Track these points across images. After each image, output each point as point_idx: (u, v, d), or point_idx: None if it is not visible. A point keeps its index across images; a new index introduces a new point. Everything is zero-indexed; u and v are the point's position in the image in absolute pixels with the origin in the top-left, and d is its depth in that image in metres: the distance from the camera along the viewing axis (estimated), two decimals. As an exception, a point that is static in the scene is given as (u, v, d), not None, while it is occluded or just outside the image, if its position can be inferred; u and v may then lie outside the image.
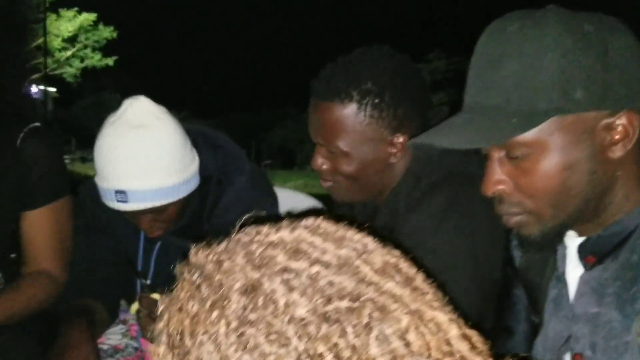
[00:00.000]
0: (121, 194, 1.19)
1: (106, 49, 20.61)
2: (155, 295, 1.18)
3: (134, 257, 1.42)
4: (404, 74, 1.17)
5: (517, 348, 0.94)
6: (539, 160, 0.73)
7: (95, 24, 19.95)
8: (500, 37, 0.75)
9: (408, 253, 1.16)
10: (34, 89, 21.02)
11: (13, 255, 1.41)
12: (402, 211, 1.17)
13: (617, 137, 0.72)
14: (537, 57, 0.70)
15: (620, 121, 0.72)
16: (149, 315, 1.17)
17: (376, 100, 1.12)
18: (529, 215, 0.77)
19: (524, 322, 0.95)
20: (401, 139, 1.16)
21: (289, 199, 1.86)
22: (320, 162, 1.19)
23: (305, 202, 1.88)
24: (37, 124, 1.41)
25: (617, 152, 0.73)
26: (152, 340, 1.23)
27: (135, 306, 1.21)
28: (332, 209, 1.47)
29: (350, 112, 1.12)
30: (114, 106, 1.28)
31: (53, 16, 19.10)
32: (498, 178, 0.76)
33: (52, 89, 22.22)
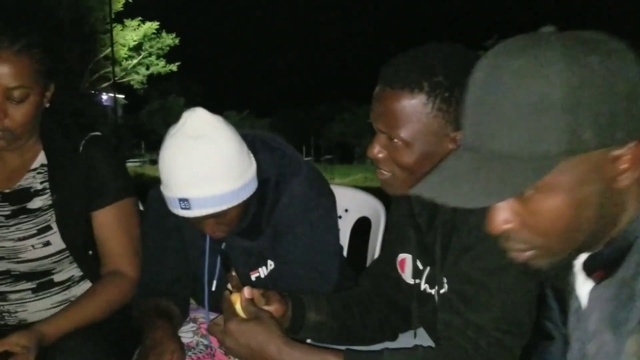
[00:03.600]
0: (184, 202, 1.25)
1: (169, 56, 21.26)
2: (237, 303, 1.20)
3: (201, 258, 1.49)
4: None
5: (558, 353, 0.91)
6: (547, 201, 0.70)
7: (158, 32, 20.61)
8: (500, 76, 0.70)
9: (469, 249, 1.14)
10: (104, 96, 21.97)
11: (90, 253, 1.50)
12: (462, 212, 1.15)
13: (624, 167, 0.69)
14: (542, 97, 0.66)
15: (627, 152, 0.68)
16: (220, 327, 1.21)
17: (446, 94, 1.09)
18: (538, 251, 0.75)
19: (562, 326, 0.91)
20: (461, 136, 1.15)
21: (347, 196, 1.87)
22: (377, 150, 1.18)
23: (363, 199, 1.88)
24: (98, 132, 1.52)
25: (625, 182, 0.70)
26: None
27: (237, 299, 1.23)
28: (390, 205, 1.47)
29: (418, 103, 1.10)
30: (179, 109, 1.34)
31: (119, 26, 19.86)
32: (505, 217, 0.73)
33: (121, 96, 23.14)
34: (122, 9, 19.49)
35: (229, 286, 1.20)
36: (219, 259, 1.48)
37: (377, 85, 1.17)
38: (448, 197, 0.72)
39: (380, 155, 1.18)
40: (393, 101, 1.12)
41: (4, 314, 1.46)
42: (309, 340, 1.28)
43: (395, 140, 1.14)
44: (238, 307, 1.16)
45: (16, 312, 1.46)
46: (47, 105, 1.44)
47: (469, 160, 0.72)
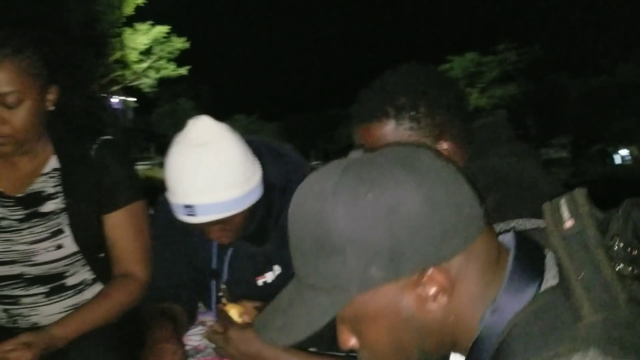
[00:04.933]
0: (189, 208, 1.27)
1: (180, 59, 21.38)
2: (232, 311, 1.25)
3: (208, 262, 1.50)
4: (435, 83, 1.20)
5: None
6: (363, 331, 0.72)
7: (168, 36, 20.73)
8: (300, 214, 0.71)
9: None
10: (115, 100, 22.11)
11: (102, 255, 1.52)
12: None
13: (431, 292, 0.68)
14: (328, 235, 0.67)
15: (428, 280, 0.68)
16: (218, 334, 1.24)
17: (412, 113, 1.15)
18: None
19: None
20: (445, 146, 1.19)
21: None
22: None
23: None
24: (109, 136, 1.54)
25: (439, 303, 0.69)
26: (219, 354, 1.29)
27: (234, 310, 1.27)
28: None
29: (389, 129, 1.16)
30: (188, 113, 1.37)
31: (129, 30, 19.99)
32: (344, 338, 0.75)
33: (132, 99, 23.29)
34: (133, 12, 19.65)
35: (223, 300, 1.24)
36: (226, 262, 1.50)
37: (352, 126, 1.23)
38: (266, 333, 0.75)
39: None
40: (367, 135, 1.19)
41: (16, 318, 1.48)
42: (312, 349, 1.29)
43: None
44: (235, 316, 1.20)
45: (29, 315, 1.48)
46: (51, 108, 1.44)
47: (290, 291, 0.74)
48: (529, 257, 0.71)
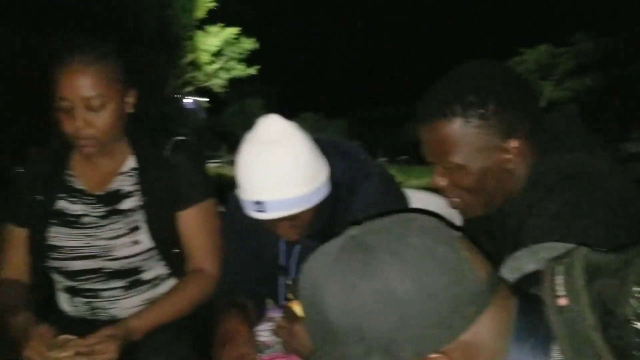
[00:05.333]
0: (259, 205, 1.30)
1: (249, 60, 21.81)
2: (297, 308, 1.27)
3: (276, 259, 1.52)
4: (504, 80, 1.16)
5: None
6: None
7: (238, 37, 21.19)
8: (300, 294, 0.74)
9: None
10: (188, 100, 22.85)
11: (176, 251, 1.57)
12: (523, 217, 1.15)
13: None
14: (328, 325, 0.69)
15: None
16: (285, 329, 1.26)
17: (480, 110, 1.12)
18: None
19: None
20: (514, 144, 1.15)
21: (421, 200, 1.85)
22: (438, 179, 1.22)
23: (436, 203, 1.85)
24: (183, 137, 1.60)
25: None
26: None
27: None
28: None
29: (457, 127, 1.14)
30: (257, 111, 1.39)
31: (201, 33, 20.59)
32: None
33: (204, 100, 24.00)
34: (205, 16, 20.22)
35: (289, 295, 1.24)
36: (293, 259, 1.51)
37: (417, 122, 1.21)
38: None
39: (443, 184, 1.23)
40: (433, 133, 1.17)
41: (97, 311, 1.56)
42: None
43: (449, 167, 1.17)
44: (300, 312, 1.21)
45: (108, 308, 1.55)
46: (131, 110, 1.52)
47: None
48: (530, 328, 0.69)
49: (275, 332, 1.34)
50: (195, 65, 20.67)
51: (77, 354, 1.29)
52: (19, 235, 1.53)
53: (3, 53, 11.47)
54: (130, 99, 1.52)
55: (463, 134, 1.14)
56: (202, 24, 20.43)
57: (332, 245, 0.73)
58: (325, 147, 1.43)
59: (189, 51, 20.13)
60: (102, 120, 1.44)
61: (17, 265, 1.53)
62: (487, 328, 0.68)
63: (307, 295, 0.72)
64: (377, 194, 1.43)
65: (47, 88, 1.43)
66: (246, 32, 21.51)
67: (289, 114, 1.37)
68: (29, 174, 1.56)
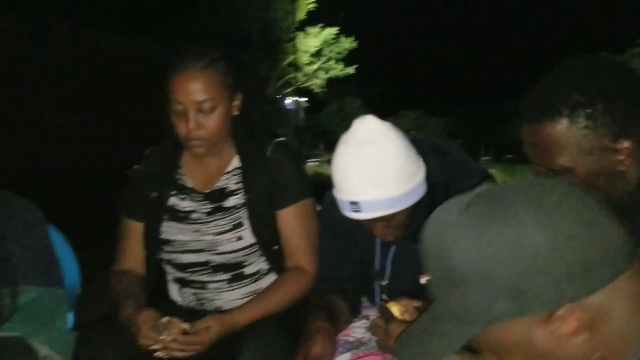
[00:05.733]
0: (355, 205, 1.31)
1: (348, 59, 21.98)
2: (394, 309, 1.27)
3: (371, 259, 1.53)
4: (614, 77, 1.08)
5: None
6: (504, 359, 0.70)
7: (337, 36, 21.41)
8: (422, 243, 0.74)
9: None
10: (288, 101, 23.43)
11: (276, 247, 1.63)
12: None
13: (566, 330, 0.64)
14: (453, 270, 0.68)
15: (559, 318, 0.64)
16: (381, 328, 1.27)
17: (588, 111, 1.05)
18: None
19: None
20: (626, 144, 1.07)
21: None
22: None
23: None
24: (283, 138, 1.66)
25: (578, 341, 0.64)
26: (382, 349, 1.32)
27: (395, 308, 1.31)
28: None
29: (562, 129, 1.07)
30: (355, 110, 1.41)
31: (301, 34, 21.03)
32: None
33: (303, 100, 24.50)
34: (305, 17, 20.63)
35: (383, 296, 1.24)
36: (389, 259, 1.52)
37: (520, 124, 1.15)
38: (404, 355, 0.79)
39: None
40: (537, 134, 1.11)
41: (203, 301, 1.65)
42: None
43: (556, 169, 1.11)
44: (396, 313, 1.21)
45: (213, 299, 1.64)
46: (237, 113, 1.60)
47: (426, 318, 0.76)
48: None
49: (371, 331, 1.35)
50: (295, 66, 21.13)
51: (175, 340, 1.38)
52: (135, 228, 1.66)
53: (119, 61, 12.36)
54: (237, 102, 1.60)
55: (569, 136, 1.07)
56: (302, 25, 20.82)
57: (461, 199, 0.73)
58: (423, 146, 1.43)
59: (289, 52, 20.61)
60: (212, 122, 1.53)
61: (133, 256, 1.66)
62: (620, 296, 0.65)
63: (434, 243, 0.72)
64: None
65: (160, 93, 1.53)
66: (345, 32, 21.66)
67: (387, 112, 1.38)
68: (145, 173, 1.69)
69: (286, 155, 1.65)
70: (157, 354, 1.40)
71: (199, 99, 1.50)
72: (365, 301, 1.66)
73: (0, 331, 1.27)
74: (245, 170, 1.63)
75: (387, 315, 1.28)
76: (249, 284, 1.65)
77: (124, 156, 1.91)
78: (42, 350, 1.27)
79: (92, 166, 10.41)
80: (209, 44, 1.57)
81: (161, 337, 1.38)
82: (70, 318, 1.53)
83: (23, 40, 10.67)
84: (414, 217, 1.39)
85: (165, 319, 1.41)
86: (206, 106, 1.51)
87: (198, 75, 1.50)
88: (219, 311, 1.58)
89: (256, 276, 1.65)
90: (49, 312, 1.34)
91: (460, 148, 1.57)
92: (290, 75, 21.17)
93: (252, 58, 15.67)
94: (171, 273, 1.68)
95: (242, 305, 1.55)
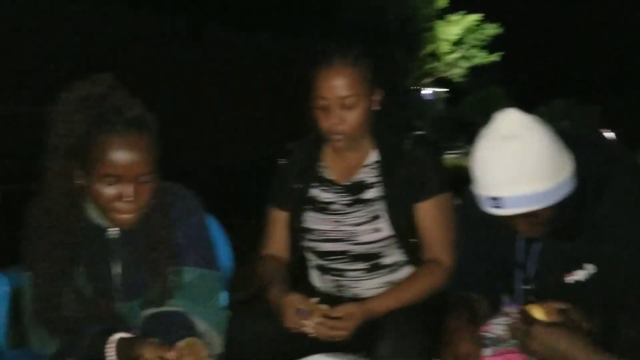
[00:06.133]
0: (496, 201, 1.29)
1: (491, 46, 21.05)
2: (535, 311, 1.24)
3: (513, 256, 1.50)
4: None
5: None
6: None
7: (480, 23, 20.59)
8: None
9: None
10: (426, 92, 23.04)
11: (413, 240, 1.65)
12: None
13: None
14: None
15: None
16: (522, 330, 1.24)
17: None
18: None
19: None
20: None
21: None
22: None
23: None
24: (423, 132, 1.67)
25: None
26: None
27: None
28: None
29: None
30: (499, 100, 1.38)
31: (441, 23, 20.51)
32: None
33: (443, 90, 23.94)
34: (446, 4, 20.10)
35: (528, 298, 1.21)
36: (532, 257, 1.47)
37: None
38: None
39: None
40: None
41: (342, 288, 1.72)
42: None
43: None
44: (538, 315, 1.17)
45: (352, 287, 1.71)
46: (377, 108, 1.64)
47: None
48: None
49: (511, 332, 1.32)
50: (434, 55, 20.69)
51: (321, 324, 1.46)
52: (281, 217, 1.77)
53: (262, 59, 13.03)
54: (377, 97, 1.64)
55: None
56: (443, 13, 20.30)
57: None
58: (572, 140, 1.36)
59: (428, 42, 20.23)
60: (354, 117, 1.59)
61: (279, 244, 1.78)
62: None
63: None
64: (630, 192, 1.31)
65: (302, 89, 1.63)
66: (489, 17, 20.76)
67: (535, 101, 1.33)
68: (289, 165, 1.80)
69: (425, 149, 1.67)
70: (307, 332, 1.49)
71: (342, 95, 1.56)
72: (505, 298, 1.62)
73: (166, 306, 1.43)
74: (384, 164, 1.67)
75: (527, 318, 1.25)
76: (386, 274, 1.69)
77: (273, 149, 2.04)
78: (201, 325, 1.41)
79: (246, 159, 11.17)
80: (351, 40, 1.63)
81: (307, 321, 1.47)
82: (224, 297, 1.68)
83: (181, 42, 11.67)
84: (562, 214, 1.33)
85: (311, 301, 1.50)
86: (349, 102, 1.57)
87: (342, 72, 1.56)
88: (357, 298, 1.64)
89: (393, 267, 1.69)
90: (207, 291, 1.47)
91: (617, 140, 1.46)
92: (429, 65, 20.77)
93: (391, 50, 15.63)
94: (312, 260, 1.77)
95: (380, 294, 1.60)
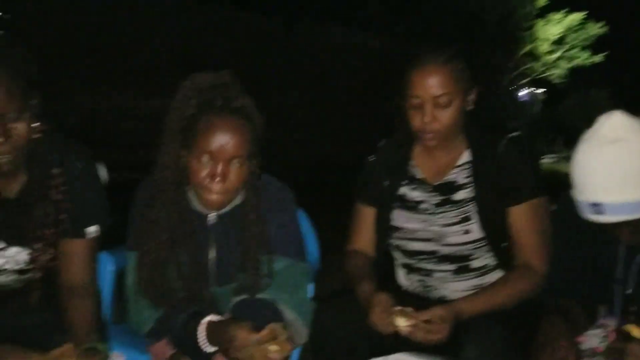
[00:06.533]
0: (597, 207, 1.24)
1: (595, 46, 19.89)
2: (635, 332, 1.18)
3: (612, 266, 1.43)
4: None
5: None
6: None
7: (583, 22, 19.51)
8: None
9: None
10: (523, 92, 22.17)
11: (504, 244, 1.61)
12: None
13: None
14: None
15: None
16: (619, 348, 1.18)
17: None
18: None
19: None
20: None
21: None
22: None
23: None
24: (518, 132, 1.62)
25: None
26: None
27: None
28: None
29: None
30: (602, 103, 1.32)
31: (541, 22, 19.63)
32: None
33: (540, 91, 22.92)
34: (547, 2, 19.22)
35: (630, 317, 1.15)
36: (634, 267, 1.39)
37: None
38: None
39: None
40: None
41: (428, 289, 1.71)
42: None
43: None
44: (637, 334, 1.12)
45: (439, 288, 1.69)
46: (471, 107, 1.62)
47: None
48: None
49: (607, 351, 1.26)
50: (532, 55, 19.86)
51: (416, 326, 1.44)
52: (369, 213, 1.78)
53: (359, 56, 13.11)
54: (472, 97, 1.62)
55: None
56: (544, 12, 19.45)
57: None
58: None
59: (526, 41, 19.47)
60: (447, 116, 1.57)
61: (366, 240, 1.79)
62: None
63: None
64: None
65: (395, 87, 1.63)
66: (593, 16, 19.64)
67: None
68: (378, 162, 1.80)
69: (520, 151, 1.62)
70: (400, 332, 1.46)
71: (436, 94, 1.55)
72: (602, 309, 1.55)
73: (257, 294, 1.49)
74: (476, 165, 1.64)
75: (625, 336, 1.19)
76: (475, 278, 1.66)
77: (361, 146, 2.06)
78: (289, 314, 1.46)
79: (335, 155, 11.42)
80: (447, 38, 1.61)
81: (403, 324, 1.44)
82: (311, 289, 1.72)
83: (278, 39, 11.99)
84: None
85: (399, 308, 1.48)
86: (443, 100, 1.55)
87: (437, 70, 1.55)
88: (443, 300, 1.62)
89: (482, 270, 1.66)
90: (295, 281, 1.52)
91: None
92: (527, 65, 19.97)
93: (488, 49, 15.21)
94: (399, 258, 1.77)
95: (469, 297, 1.57)
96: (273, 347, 1.28)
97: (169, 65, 9.45)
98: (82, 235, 1.48)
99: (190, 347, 1.39)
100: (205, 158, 1.40)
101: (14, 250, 1.44)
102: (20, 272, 1.47)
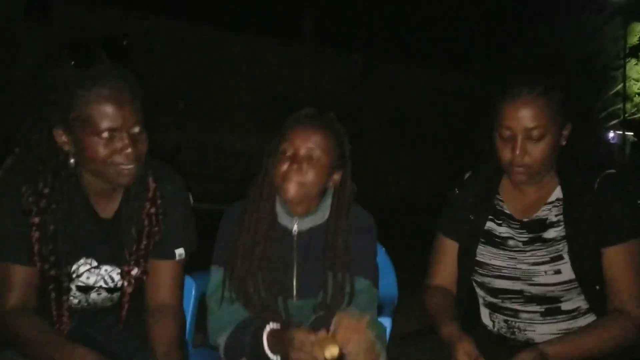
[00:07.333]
0: None
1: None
2: None
3: None
4: None
5: None
6: None
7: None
8: None
9: None
10: (611, 134, 21.14)
11: (597, 287, 1.51)
12: None
13: None
14: None
15: None
16: None
17: None
18: None
19: None
20: None
21: None
22: None
23: None
24: (613, 170, 1.53)
25: None
26: None
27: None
28: None
29: None
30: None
31: (633, 61, 18.79)
32: None
33: (630, 133, 21.77)
34: (638, 42, 18.42)
35: None
36: None
37: None
38: None
39: None
40: None
41: (514, 330, 1.63)
42: None
43: None
44: None
45: (525, 330, 1.60)
46: (564, 143, 1.55)
47: None
48: None
49: None
50: (622, 95, 18.98)
51: None
52: (451, 247, 1.72)
53: (441, 94, 13.15)
54: (566, 132, 1.56)
55: None
56: (636, 50, 18.61)
57: None
58: None
59: (616, 81, 18.66)
60: (539, 150, 1.51)
61: (447, 275, 1.73)
62: None
63: None
64: None
65: (474, 124, 1.60)
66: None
67: None
68: (463, 195, 1.75)
69: (616, 189, 1.53)
70: None
71: (528, 126, 1.50)
72: None
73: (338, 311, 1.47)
74: (568, 202, 1.56)
75: None
76: (565, 321, 1.56)
77: (438, 186, 2.04)
78: (369, 334, 1.42)
79: (414, 190, 11.58)
80: (538, 73, 1.57)
81: None
82: (388, 324, 1.68)
83: (352, 79, 12.31)
84: None
85: None
86: (535, 133, 1.50)
87: (531, 102, 1.50)
88: (530, 344, 1.53)
89: (573, 314, 1.56)
90: (373, 304, 1.56)
91: None
92: (616, 106, 19.09)
93: (578, 87, 14.73)
94: (483, 297, 1.69)
95: (555, 340, 1.48)
96: (331, 349, 1.28)
97: (253, 102, 10.06)
98: (171, 256, 1.53)
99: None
100: (289, 152, 1.52)
101: (106, 269, 1.51)
102: (111, 290, 1.53)
